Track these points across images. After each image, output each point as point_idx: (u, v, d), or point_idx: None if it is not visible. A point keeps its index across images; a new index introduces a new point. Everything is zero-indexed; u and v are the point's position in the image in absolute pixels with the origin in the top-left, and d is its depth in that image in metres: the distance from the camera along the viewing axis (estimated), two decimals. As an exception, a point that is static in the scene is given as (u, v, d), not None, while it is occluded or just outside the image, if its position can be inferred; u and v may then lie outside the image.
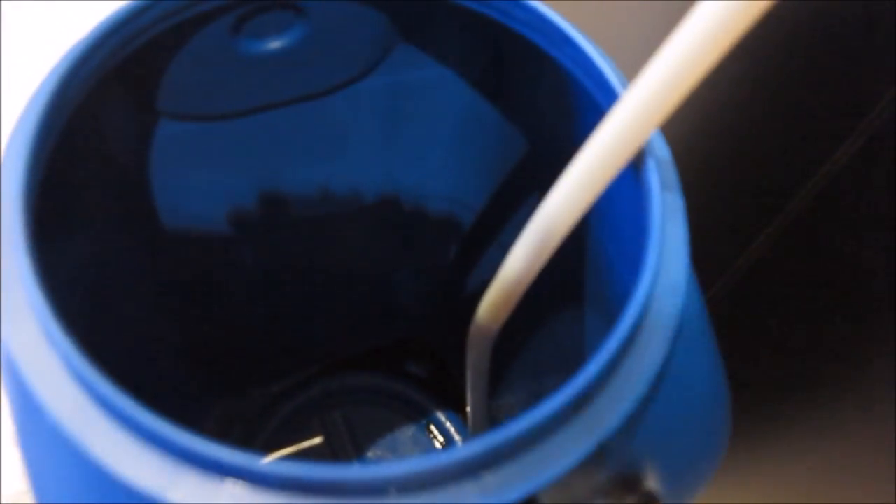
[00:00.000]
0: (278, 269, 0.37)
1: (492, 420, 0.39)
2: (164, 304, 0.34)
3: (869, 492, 0.31)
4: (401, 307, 0.42)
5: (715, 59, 0.17)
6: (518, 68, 0.27)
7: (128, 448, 0.16)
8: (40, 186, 0.20)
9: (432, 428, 0.42)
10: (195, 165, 0.31)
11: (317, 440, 0.41)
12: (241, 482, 0.16)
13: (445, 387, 0.43)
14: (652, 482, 0.19)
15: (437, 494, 0.16)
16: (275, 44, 0.27)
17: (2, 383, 0.19)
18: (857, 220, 0.28)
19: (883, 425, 0.29)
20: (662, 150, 0.22)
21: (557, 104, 0.26)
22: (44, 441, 0.18)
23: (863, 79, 0.26)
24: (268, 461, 0.15)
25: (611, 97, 0.22)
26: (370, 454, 0.41)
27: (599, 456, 0.17)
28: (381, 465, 0.15)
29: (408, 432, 0.42)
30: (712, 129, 0.35)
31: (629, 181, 0.21)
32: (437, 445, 0.42)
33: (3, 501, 0.44)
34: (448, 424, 0.42)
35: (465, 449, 0.16)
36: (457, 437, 0.42)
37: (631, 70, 0.21)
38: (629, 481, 0.19)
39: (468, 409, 0.35)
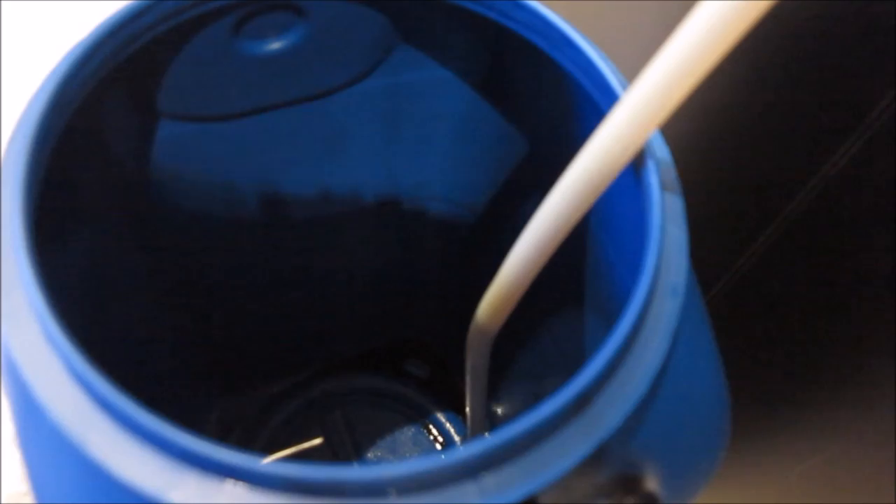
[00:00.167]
0: (278, 269, 0.37)
1: (491, 421, 0.39)
2: (164, 305, 0.34)
3: (869, 492, 0.31)
4: (401, 307, 0.42)
5: (715, 61, 0.17)
6: (518, 69, 0.27)
7: (128, 449, 0.16)
8: (40, 186, 0.20)
9: (432, 429, 0.42)
10: (195, 165, 0.31)
11: (317, 441, 0.41)
12: (241, 483, 0.16)
13: (445, 387, 0.43)
14: (652, 483, 0.19)
15: (437, 495, 0.16)
16: (275, 45, 0.27)
17: (2, 384, 0.19)
18: (857, 220, 0.28)
19: (883, 425, 0.29)
20: (662, 151, 0.22)
21: (557, 105, 0.26)
22: (44, 442, 0.18)
23: (863, 79, 0.26)
24: (268, 462, 0.15)
25: (610, 98, 0.22)
26: (370, 455, 0.41)
27: (599, 456, 0.17)
28: (380, 466, 0.15)
29: (408, 433, 0.42)
30: (712, 129, 0.35)
31: (629, 182, 0.21)
32: (437, 446, 0.42)
33: (3, 502, 0.44)
34: (448, 425, 0.42)
35: (464, 450, 0.16)
36: (456, 438, 0.42)
37: (631, 71, 0.21)
38: (629, 482, 0.19)
39: (468, 409, 0.35)
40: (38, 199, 0.20)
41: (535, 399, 0.35)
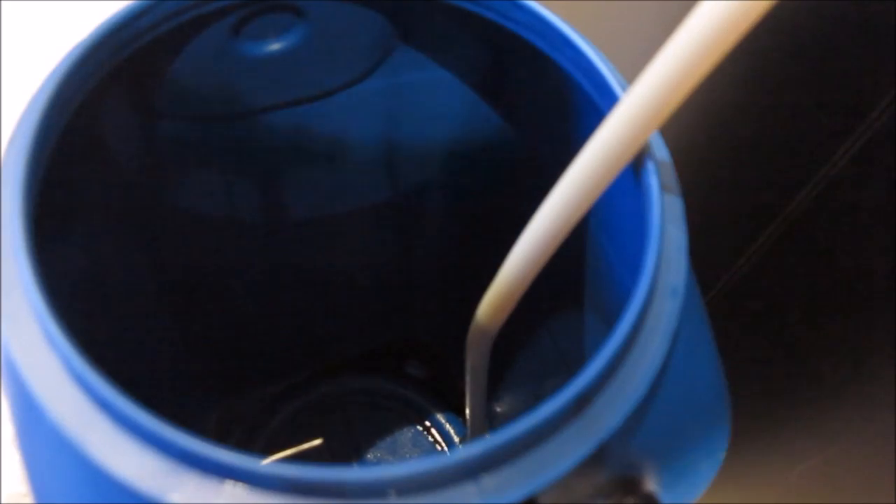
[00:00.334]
0: (278, 269, 0.37)
1: (491, 421, 0.39)
2: (163, 305, 0.34)
3: (869, 492, 0.31)
4: (401, 308, 0.42)
5: (714, 62, 0.17)
6: (518, 70, 0.27)
7: (128, 449, 0.16)
8: (40, 186, 0.20)
9: (432, 429, 0.42)
10: (195, 165, 0.31)
11: (316, 442, 0.41)
12: (240, 484, 0.16)
13: (445, 388, 0.43)
14: (652, 483, 0.19)
15: (437, 496, 0.16)
16: (275, 46, 0.27)
17: (1, 384, 0.19)
18: (857, 220, 0.28)
19: (883, 425, 0.29)
20: (662, 152, 0.22)
21: (557, 106, 0.26)
22: (44, 442, 0.18)
23: (863, 79, 0.26)
24: (267, 463, 0.15)
25: (610, 99, 0.22)
26: (370, 456, 0.41)
27: (599, 457, 0.17)
28: (380, 467, 0.15)
29: (407, 434, 0.42)
30: (712, 129, 0.35)
31: (629, 183, 0.21)
32: (437, 447, 0.42)
33: (2, 502, 0.44)
34: (447, 426, 0.42)
35: (464, 450, 0.16)
36: (456, 439, 0.42)
37: (630, 72, 0.21)
38: (629, 483, 0.19)
39: (468, 410, 0.35)
40: (38, 199, 0.20)
41: (535, 399, 0.35)
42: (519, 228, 0.23)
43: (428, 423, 0.42)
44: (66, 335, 0.17)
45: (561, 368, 0.34)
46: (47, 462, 0.18)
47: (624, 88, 0.22)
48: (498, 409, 0.40)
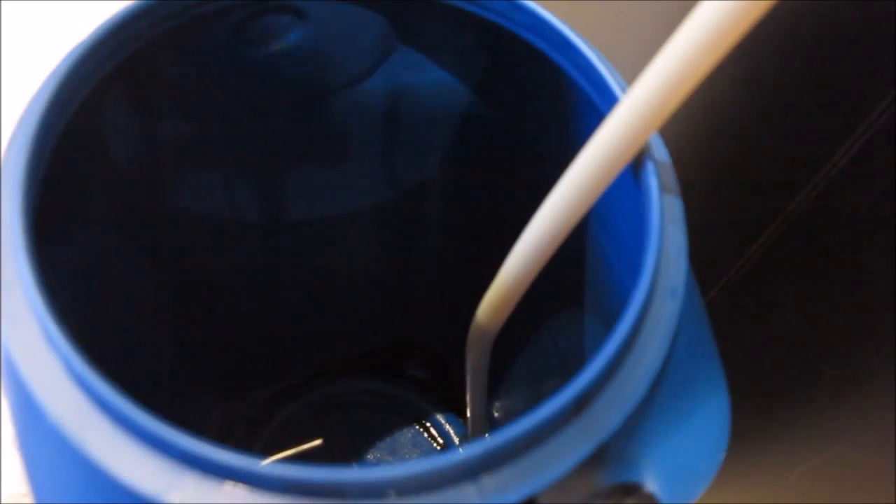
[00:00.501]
0: (278, 270, 0.37)
1: (491, 422, 0.39)
2: (163, 305, 0.34)
3: (869, 492, 0.31)
4: (400, 308, 0.42)
5: (714, 62, 0.17)
6: (517, 71, 0.27)
7: (127, 450, 0.16)
8: (40, 186, 0.20)
9: (431, 430, 0.42)
10: (195, 165, 0.31)
11: (316, 442, 0.41)
12: (240, 484, 0.16)
13: (445, 389, 0.43)
14: (651, 484, 0.19)
15: (437, 497, 0.16)
16: (275, 46, 0.27)
17: (1, 385, 0.19)
18: (857, 220, 0.28)
19: (883, 425, 0.29)
20: (661, 153, 0.22)
21: (557, 107, 0.26)
22: (43, 443, 0.18)
23: (863, 79, 0.26)
24: (267, 463, 0.15)
25: (609, 100, 0.22)
26: (369, 456, 0.41)
27: (599, 457, 0.17)
28: (380, 468, 0.15)
29: (407, 434, 0.42)
30: (712, 129, 0.35)
31: (628, 183, 0.21)
32: (437, 448, 0.42)
33: (2, 503, 0.44)
34: (447, 427, 0.42)
35: (464, 451, 0.16)
36: (456, 440, 0.42)
37: (630, 72, 0.21)
38: (629, 483, 0.19)
39: (468, 410, 0.35)
40: (38, 199, 0.20)
41: (535, 400, 0.35)
42: (519, 228, 0.23)
43: (428, 424, 0.42)
44: (66, 335, 0.17)
45: (561, 368, 0.34)
46: (47, 462, 0.18)
47: (623, 89, 0.22)
48: (498, 410, 0.40)
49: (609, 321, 0.21)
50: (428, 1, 0.25)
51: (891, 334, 0.27)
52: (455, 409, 0.43)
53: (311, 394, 0.43)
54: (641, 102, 0.18)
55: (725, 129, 0.34)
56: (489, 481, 0.16)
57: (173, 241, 0.32)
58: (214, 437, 0.40)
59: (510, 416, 0.39)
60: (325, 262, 0.38)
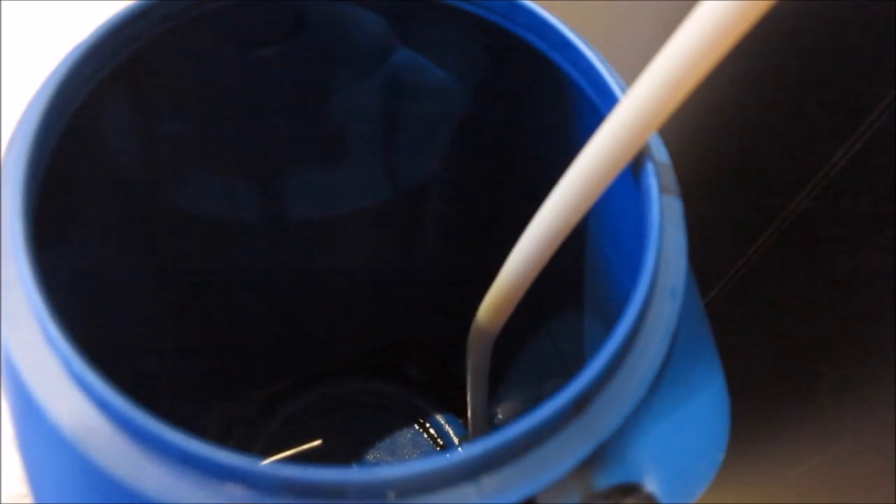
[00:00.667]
0: (278, 270, 0.37)
1: (491, 422, 0.39)
2: (163, 305, 0.34)
3: (869, 492, 0.31)
4: (400, 308, 0.42)
5: (713, 63, 0.17)
6: (517, 72, 0.27)
7: (127, 450, 0.16)
8: (40, 186, 0.20)
9: (431, 430, 0.42)
10: (195, 165, 0.31)
11: (316, 443, 0.41)
12: (240, 484, 0.16)
13: (445, 389, 0.43)
14: (651, 485, 0.19)
15: (436, 497, 0.16)
16: (275, 46, 0.27)
17: (1, 385, 0.19)
18: (857, 220, 0.28)
19: (883, 425, 0.29)
20: (661, 153, 0.22)
21: (556, 107, 0.26)
22: (43, 443, 0.18)
23: (863, 79, 0.26)
24: (267, 463, 0.15)
25: (609, 100, 0.22)
26: (369, 457, 0.41)
27: (598, 458, 0.17)
28: (380, 468, 0.15)
29: (407, 435, 0.42)
30: (712, 129, 0.35)
31: (628, 184, 0.21)
32: (436, 448, 0.42)
33: (2, 503, 0.44)
34: (447, 427, 0.42)
35: (464, 452, 0.16)
36: (456, 440, 0.42)
37: (630, 73, 0.21)
38: (628, 484, 0.19)
39: (469, 410, 0.35)
40: (38, 199, 0.20)
41: (535, 400, 0.35)
42: (519, 229, 0.23)
43: (427, 424, 0.42)
44: (66, 335, 0.17)
45: (561, 369, 0.34)
46: (47, 462, 0.18)
47: (623, 90, 0.22)
48: (498, 410, 0.40)
49: (609, 321, 0.21)
50: (428, 1, 0.25)
51: (891, 334, 0.27)
52: (455, 410, 0.43)
53: (311, 394, 0.43)
54: (641, 103, 0.18)
55: (725, 129, 0.34)
56: (489, 481, 0.16)
57: (173, 241, 0.32)
58: (214, 437, 0.40)
59: (510, 417, 0.39)
60: (325, 262, 0.38)
